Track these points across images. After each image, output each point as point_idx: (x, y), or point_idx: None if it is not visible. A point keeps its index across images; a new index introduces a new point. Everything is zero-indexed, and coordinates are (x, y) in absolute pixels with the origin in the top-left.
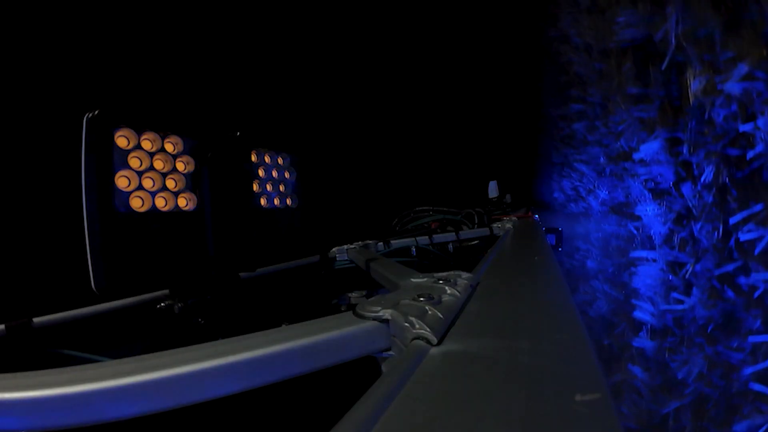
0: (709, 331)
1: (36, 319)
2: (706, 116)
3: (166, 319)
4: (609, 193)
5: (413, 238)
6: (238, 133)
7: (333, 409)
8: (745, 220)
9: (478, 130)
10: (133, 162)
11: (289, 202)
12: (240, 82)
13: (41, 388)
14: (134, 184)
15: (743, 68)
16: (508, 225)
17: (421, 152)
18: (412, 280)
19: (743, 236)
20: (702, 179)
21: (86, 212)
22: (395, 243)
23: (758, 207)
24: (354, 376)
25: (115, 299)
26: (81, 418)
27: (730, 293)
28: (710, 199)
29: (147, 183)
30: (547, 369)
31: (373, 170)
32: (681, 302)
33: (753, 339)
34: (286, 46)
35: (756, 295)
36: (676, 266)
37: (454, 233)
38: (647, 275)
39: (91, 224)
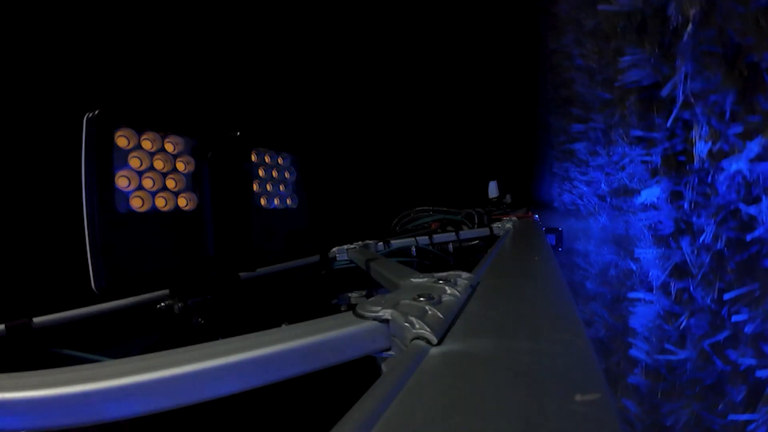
0: (696, 390)
1: (36, 319)
2: (709, 179)
3: (166, 319)
4: (609, 221)
5: (413, 238)
6: (238, 133)
7: (333, 409)
8: (737, 299)
9: (478, 130)
10: (134, 162)
11: (289, 202)
12: (240, 82)
13: (41, 388)
14: (134, 184)
15: (754, 149)
16: (508, 225)
17: (421, 152)
18: (412, 280)
19: (735, 317)
20: (701, 240)
21: (86, 212)
22: (395, 243)
23: (747, 289)
24: (354, 376)
25: (115, 299)
26: (81, 418)
27: (718, 362)
28: (707, 260)
29: (147, 183)
30: (547, 369)
31: (373, 170)
32: (674, 353)
33: (733, 417)
34: (286, 46)
35: (742, 368)
36: (672, 316)
37: (454, 233)
38: (643, 315)
39: (91, 224)
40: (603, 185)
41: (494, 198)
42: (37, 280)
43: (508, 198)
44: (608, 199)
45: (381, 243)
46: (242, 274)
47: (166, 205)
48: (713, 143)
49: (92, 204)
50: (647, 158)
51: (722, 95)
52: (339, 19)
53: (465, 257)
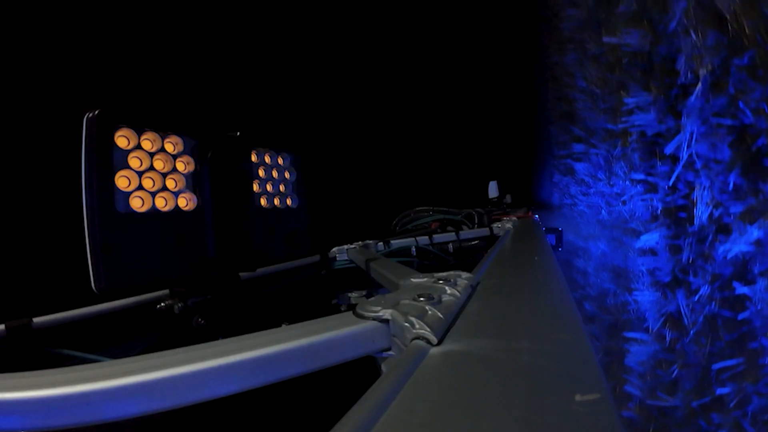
0: None
1: (36, 319)
2: (707, 245)
3: (166, 319)
4: (610, 250)
5: (413, 238)
6: (238, 133)
7: (333, 409)
8: (723, 370)
9: (478, 131)
10: (133, 162)
11: (289, 202)
12: (240, 82)
13: (41, 388)
14: (134, 184)
15: (754, 233)
16: (508, 225)
17: (421, 152)
18: (412, 280)
19: (720, 389)
20: (696, 297)
21: (86, 212)
22: (395, 243)
23: (735, 361)
24: (354, 376)
25: (115, 299)
26: (81, 418)
27: (702, 424)
28: (701, 318)
29: (147, 183)
30: (547, 369)
31: (373, 170)
32: (665, 400)
33: None
34: (286, 46)
35: None
36: (663, 362)
37: (454, 233)
38: (639, 353)
39: (91, 224)
40: (603, 211)
41: (494, 198)
42: (37, 280)
43: (508, 198)
44: (607, 230)
45: (381, 243)
46: (242, 274)
47: (166, 205)
48: (716, 212)
49: (92, 204)
50: (648, 203)
51: (728, 166)
52: (339, 19)
53: (465, 257)
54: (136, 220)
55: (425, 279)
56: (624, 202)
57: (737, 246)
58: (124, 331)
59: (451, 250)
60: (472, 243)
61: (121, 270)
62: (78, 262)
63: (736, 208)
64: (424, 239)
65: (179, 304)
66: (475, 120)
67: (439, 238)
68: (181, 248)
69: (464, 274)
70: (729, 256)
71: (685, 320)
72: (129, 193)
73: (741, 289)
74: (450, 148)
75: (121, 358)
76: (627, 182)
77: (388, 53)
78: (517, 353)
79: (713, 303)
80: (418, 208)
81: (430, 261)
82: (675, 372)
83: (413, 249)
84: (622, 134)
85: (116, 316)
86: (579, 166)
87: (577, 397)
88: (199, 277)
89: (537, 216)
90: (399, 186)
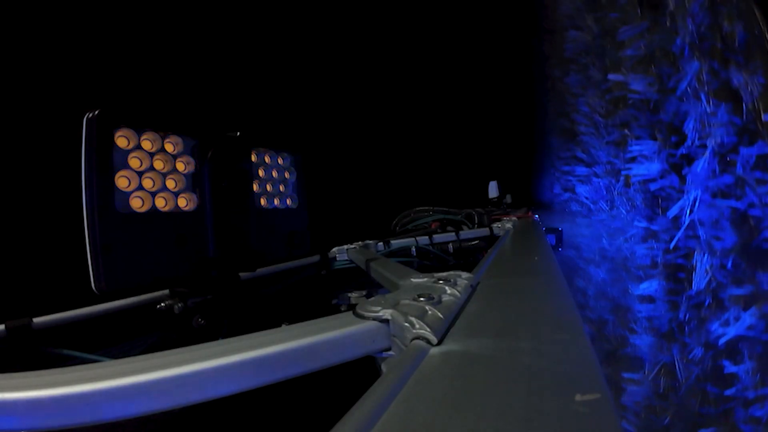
0: None
1: (36, 319)
2: (703, 311)
3: (166, 319)
4: (610, 277)
5: (413, 238)
6: (238, 133)
7: (333, 409)
8: None
9: (478, 131)
10: (133, 162)
11: (289, 202)
12: (240, 82)
13: (41, 388)
14: (134, 184)
15: (747, 319)
16: (508, 225)
17: (421, 152)
18: (412, 280)
19: None
20: (690, 356)
21: (86, 212)
22: (395, 243)
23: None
24: (354, 376)
25: (115, 299)
26: (81, 418)
27: None
28: (693, 378)
29: (147, 183)
30: (547, 369)
31: (373, 170)
32: None
33: None
34: (286, 46)
35: None
36: (657, 407)
37: (454, 233)
38: (635, 394)
39: (91, 224)
40: (604, 240)
41: (494, 198)
42: (37, 280)
43: (508, 198)
44: (608, 260)
45: (381, 243)
46: (242, 274)
47: (166, 205)
48: (713, 287)
49: (92, 204)
50: (649, 251)
51: (729, 249)
52: (339, 19)
53: (465, 257)
54: (136, 220)
55: (425, 279)
56: (626, 240)
57: (732, 329)
58: (124, 331)
59: (451, 250)
60: (472, 243)
61: (121, 270)
62: (78, 262)
63: (733, 290)
64: (424, 239)
65: (179, 304)
66: (475, 120)
67: (439, 238)
68: (181, 248)
69: (464, 274)
70: (722, 341)
71: (680, 374)
72: (129, 193)
73: (730, 369)
74: (450, 148)
75: (121, 358)
76: (628, 220)
77: (387, 52)
78: (517, 353)
79: (704, 367)
80: (418, 208)
81: (430, 261)
82: (667, 420)
83: (413, 249)
84: (626, 177)
85: (116, 316)
86: (580, 189)
87: (577, 397)
88: (199, 277)
89: (537, 216)
90: (399, 186)
